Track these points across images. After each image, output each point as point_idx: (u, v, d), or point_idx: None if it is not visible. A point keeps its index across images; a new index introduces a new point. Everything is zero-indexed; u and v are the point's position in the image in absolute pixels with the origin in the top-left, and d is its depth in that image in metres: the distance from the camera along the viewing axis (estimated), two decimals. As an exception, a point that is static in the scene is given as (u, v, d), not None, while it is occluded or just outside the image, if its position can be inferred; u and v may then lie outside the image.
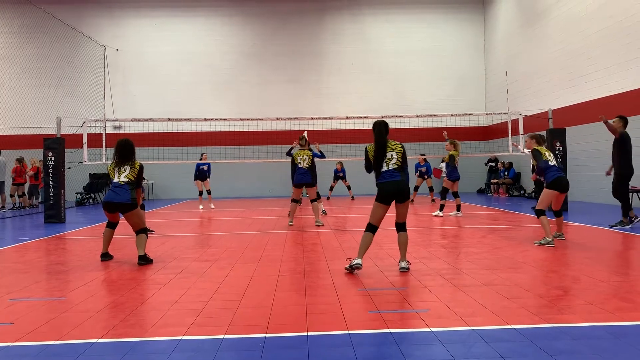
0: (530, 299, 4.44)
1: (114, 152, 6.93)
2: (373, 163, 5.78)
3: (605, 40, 14.26)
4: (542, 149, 7.70)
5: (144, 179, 7.70)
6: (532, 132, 13.09)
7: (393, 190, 5.62)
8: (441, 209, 12.13)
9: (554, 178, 7.36)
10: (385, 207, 5.71)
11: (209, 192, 15.81)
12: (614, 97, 13.94)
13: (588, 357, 3.14)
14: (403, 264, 5.74)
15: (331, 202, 17.94)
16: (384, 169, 5.70)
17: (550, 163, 7.53)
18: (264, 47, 22.76)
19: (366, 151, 5.92)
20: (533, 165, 13.60)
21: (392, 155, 5.72)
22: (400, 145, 5.81)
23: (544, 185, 7.60)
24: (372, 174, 5.91)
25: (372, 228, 5.77)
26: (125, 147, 6.91)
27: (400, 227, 5.79)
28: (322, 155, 12.14)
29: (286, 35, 22.80)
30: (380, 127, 5.77)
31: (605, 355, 3.17)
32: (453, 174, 12.05)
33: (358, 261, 5.63)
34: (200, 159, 15.52)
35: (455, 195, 12.09)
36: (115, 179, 6.75)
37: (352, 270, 5.65)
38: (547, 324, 3.75)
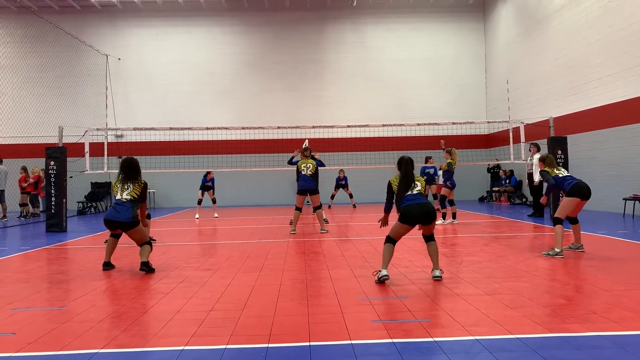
0: (534, 308, 4.43)
1: (119, 170, 6.94)
2: (397, 192, 5.89)
3: (606, 48, 14.30)
4: (550, 169, 7.61)
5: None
6: (533, 141, 13.22)
7: (419, 214, 5.67)
8: (443, 217, 12.14)
9: (572, 185, 7.24)
10: (408, 227, 5.75)
11: (214, 202, 15.91)
12: (615, 105, 13.95)
13: (592, 367, 3.13)
14: (437, 273, 5.76)
15: (333, 210, 17.91)
16: (408, 193, 5.81)
17: (561, 175, 7.46)
18: (265, 55, 22.85)
19: (389, 185, 6.03)
20: (529, 174, 13.65)
21: (415, 184, 5.89)
22: (424, 180, 6.09)
23: (564, 195, 7.46)
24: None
25: (392, 240, 5.82)
26: (130, 166, 6.91)
27: (429, 237, 5.88)
28: (321, 164, 12.19)
29: (287, 43, 22.89)
30: (408, 163, 6.00)
31: (609, 365, 3.15)
32: (452, 181, 12.10)
33: (385, 273, 5.58)
34: (205, 177, 15.54)
35: (452, 203, 12.15)
36: (118, 196, 6.74)
37: (381, 282, 5.60)
38: (551, 334, 3.74)
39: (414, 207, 5.68)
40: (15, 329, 4.15)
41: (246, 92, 22.61)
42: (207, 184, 15.55)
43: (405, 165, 5.98)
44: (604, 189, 14.13)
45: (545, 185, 8.12)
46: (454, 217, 12.16)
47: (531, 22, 18.74)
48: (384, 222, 6.29)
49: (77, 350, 3.61)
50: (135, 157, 7.20)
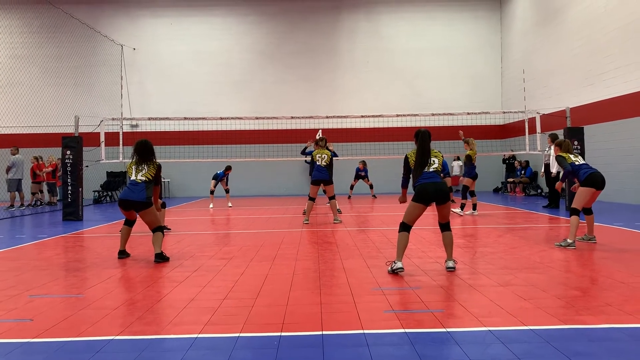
0: (548, 300, 4.40)
1: (133, 151, 6.97)
2: (414, 168, 5.78)
3: (625, 37, 14.04)
4: (566, 154, 7.56)
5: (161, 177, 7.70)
6: (551, 132, 13.05)
7: (433, 191, 5.58)
8: (462, 207, 12.05)
9: (587, 175, 7.18)
10: (423, 207, 5.65)
11: (227, 192, 15.90)
12: (633, 95, 13.72)
13: (606, 360, 3.10)
14: (450, 264, 5.70)
15: (352, 201, 17.78)
16: (424, 170, 5.71)
17: (577, 163, 7.38)
18: (279, 45, 22.80)
19: (406, 159, 5.92)
20: (545, 165, 13.50)
21: (433, 161, 5.78)
22: (441, 154, 5.93)
23: (579, 185, 7.44)
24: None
25: (406, 227, 5.71)
26: (144, 147, 6.94)
27: (444, 227, 5.78)
28: (335, 154, 12.20)
29: (301, 33, 22.81)
30: (425, 135, 5.84)
31: (622, 357, 3.13)
32: (472, 172, 12.04)
33: (399, 265, 5.52)
34: (224, 171, 15.41)
35: (472, 194, 12.07)
36: (133, 177, 6.79)
37: (395, 273, 5.55)
38: (565, 325, 3.71)
39: (429, 185, 5.59)
40: (33, 315, 4.22)
41: (260, 82, 22.60)
42: (222, 178, 15.54)
43: (422, 138, 5.81)
44: (621, 180, 13.94)
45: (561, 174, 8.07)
46: (474, 208, 12.07)
47: (548, 10, 18.46)
48: (403, 199, 6.29)
49: (93, 336, 3.66)
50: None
